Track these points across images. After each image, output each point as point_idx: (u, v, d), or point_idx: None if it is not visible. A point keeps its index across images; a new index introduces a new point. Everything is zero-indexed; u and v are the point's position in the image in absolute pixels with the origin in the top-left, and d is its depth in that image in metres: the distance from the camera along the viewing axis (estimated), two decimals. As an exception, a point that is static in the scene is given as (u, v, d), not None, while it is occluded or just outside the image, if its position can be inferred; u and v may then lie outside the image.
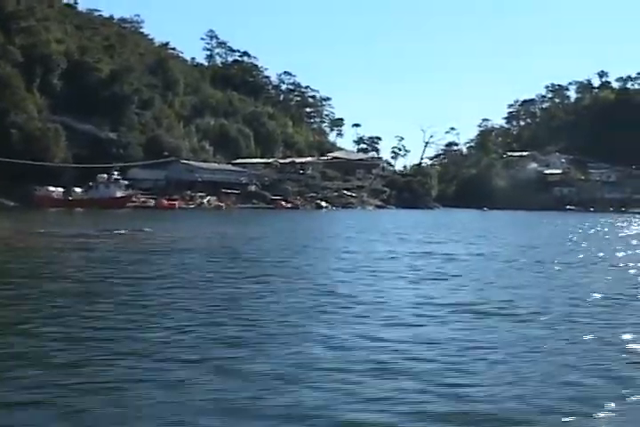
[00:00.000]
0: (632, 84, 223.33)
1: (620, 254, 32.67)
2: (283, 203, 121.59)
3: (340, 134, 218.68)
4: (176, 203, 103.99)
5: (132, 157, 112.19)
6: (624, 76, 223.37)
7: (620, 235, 53.41)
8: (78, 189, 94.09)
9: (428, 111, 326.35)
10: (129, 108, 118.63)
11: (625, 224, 75.23)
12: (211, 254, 28.10)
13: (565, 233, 53.89)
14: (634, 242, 41.88)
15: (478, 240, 40.96)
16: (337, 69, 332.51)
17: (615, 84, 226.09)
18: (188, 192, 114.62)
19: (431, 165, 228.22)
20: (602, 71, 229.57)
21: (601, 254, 32.23)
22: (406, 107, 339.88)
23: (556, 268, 25.12)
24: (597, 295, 17.69)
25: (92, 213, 72.95)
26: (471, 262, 27.06)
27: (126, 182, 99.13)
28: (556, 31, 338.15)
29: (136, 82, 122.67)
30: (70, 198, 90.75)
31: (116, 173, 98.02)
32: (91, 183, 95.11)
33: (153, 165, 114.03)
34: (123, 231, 39.36)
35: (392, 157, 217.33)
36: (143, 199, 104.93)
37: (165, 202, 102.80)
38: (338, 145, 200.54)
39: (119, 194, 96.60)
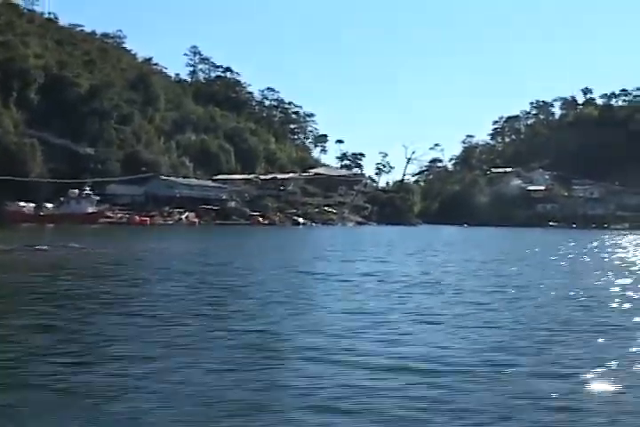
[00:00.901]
0: (616, 101, 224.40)
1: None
2: (260, 219, 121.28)
3: (323, 150, 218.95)
4: (148, 219, 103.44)
5: (110, 173, 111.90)
6: (608, 93, 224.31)
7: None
8: (50, 205, 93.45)
9: (412, 128, 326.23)
10: (108, 124, 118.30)
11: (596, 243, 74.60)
12: (94, 275, 25.75)
13: (518, 250, 53.30)
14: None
15: (400, 258, 39.54)
16: (321, 86, 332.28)
17: (599, 101, 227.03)
18: (167, 208, 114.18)
19: (415, 181, 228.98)
20: (586, 88, 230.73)
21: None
22: (391, 123, 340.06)
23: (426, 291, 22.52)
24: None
25: (58, 229, 72.37)
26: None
27: (98, 198, 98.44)
28: (542, 48, 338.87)
29: (116, 97, 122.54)
30: (41, 214, 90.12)
31: (87, 188, 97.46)
32: (62, 199, 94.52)
33: (132, 180, 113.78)
34: (45, 247, 38.11)
35: (376, 174, 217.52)
36: (120, 215, 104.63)
37: (138, 218, 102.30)
38: (322, 161, 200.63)
39: (90, 209, 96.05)
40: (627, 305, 19.18)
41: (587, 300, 20.40)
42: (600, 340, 13.98)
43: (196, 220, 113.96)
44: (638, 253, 51.64)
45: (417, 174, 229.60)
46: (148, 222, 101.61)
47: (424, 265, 33.97)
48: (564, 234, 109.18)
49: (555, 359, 12.01)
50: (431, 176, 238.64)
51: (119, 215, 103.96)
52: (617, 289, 23.55)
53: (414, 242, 64.35)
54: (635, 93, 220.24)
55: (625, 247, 61.54)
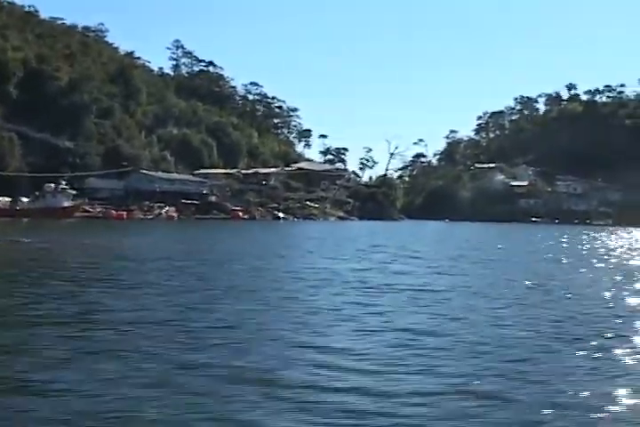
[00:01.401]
0: (600, 97, 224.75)
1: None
2: (240, 213, 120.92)
3: (307, 145, 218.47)
4: (124, 213, 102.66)
5: (90, 167, 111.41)
6: (592, 88, 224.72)
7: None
8: (25, 199, 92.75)
9: (396, 123, 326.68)
10: (88, 118, 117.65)
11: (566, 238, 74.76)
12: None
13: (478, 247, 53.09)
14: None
15: (342, 254, 38.65)
16: (305, 80, 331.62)
17: (584, 97, 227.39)
18: (147, 203, 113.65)
19: (399, 176, 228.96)
20: (570, 84, 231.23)
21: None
22: (375, 118, 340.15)
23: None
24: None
25: (32, 223, 71.89)
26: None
27: (74, 192, 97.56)
28: (527, 43, 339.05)
29: (96, 91, 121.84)
30: (17, 208, 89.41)
31: (63, 182, 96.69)
32: (37, 193, 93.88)
33: (112, 174, 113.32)
34: None
35: (360, 169, 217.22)
36: (99, 209, 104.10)
37: (114, 212, 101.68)
38: (305, 156, 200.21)
39: (66, 204, 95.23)
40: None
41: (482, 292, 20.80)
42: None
43: (176, 214, 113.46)
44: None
45: (401, 169, 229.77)
46: (125, 217, 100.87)
47: (358, 262, 33.58)
48: (541, 229, 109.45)
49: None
50: (415, 171, 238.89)
51: (98, 209, 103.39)
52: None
53: (379, 237, 64.07)
54: (618, 89, 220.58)
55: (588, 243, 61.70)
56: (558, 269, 31.84)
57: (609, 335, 14.22)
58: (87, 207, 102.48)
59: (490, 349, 12.74)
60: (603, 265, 34.91)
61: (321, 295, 19.74)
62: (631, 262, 37.56)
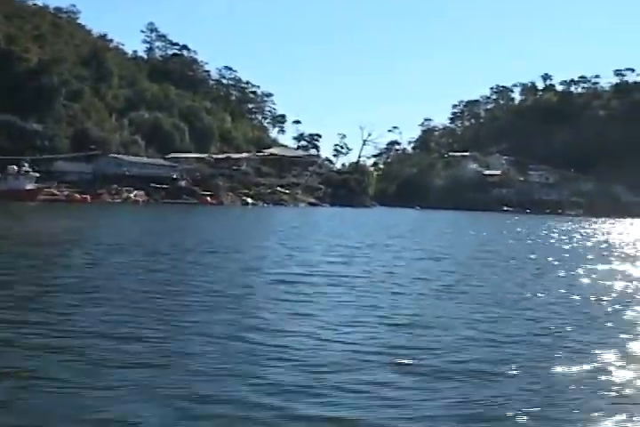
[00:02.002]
0: (575, 88, 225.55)
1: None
2: (208, 198, 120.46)
3: (282, 131, 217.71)
4: (88, 197, 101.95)
5: (58, 150, 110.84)
6: (567, 79, 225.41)
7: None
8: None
9: (372, 110, 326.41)
10: (57, 100, 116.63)
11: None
12: None
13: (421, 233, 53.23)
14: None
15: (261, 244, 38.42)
16: (282, 67, 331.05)
17: (559, 88, 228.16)
18: (115, 186, 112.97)
19: (374, 163, 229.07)
20: (546, 74, 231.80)
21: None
22: (350, 105, 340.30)
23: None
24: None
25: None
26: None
27: (37, 175, 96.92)
28: (503, 34, 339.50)
29: (66, 73, 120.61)
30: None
31: (26, 164, 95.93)
32: (0, 175, 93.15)
33: (80, 158, 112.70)
34: None
35: (334, 155, 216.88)
36: (67, 192, 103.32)
37: (78, 196, 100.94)
38: (280, 142, 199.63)
39: (29, 186, 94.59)
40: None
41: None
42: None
43: (143, 198, 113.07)
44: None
45: (375, 156, 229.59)
46: (89, 200, 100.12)
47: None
48: (506, 218, 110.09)
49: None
50: (390, 159, 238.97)
51: (65, 193, 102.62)
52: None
53: (326, 225, 63.82)
54: (593, 80, 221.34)
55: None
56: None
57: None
58: (54, 190, 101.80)
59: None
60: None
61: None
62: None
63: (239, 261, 25.75)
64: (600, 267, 28.62)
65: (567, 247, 42.27)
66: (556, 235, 58.45)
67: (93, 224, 48.14)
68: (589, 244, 47.36)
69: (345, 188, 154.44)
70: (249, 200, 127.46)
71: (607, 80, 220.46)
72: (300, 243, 37.29)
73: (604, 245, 45.28)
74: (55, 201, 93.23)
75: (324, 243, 38.00)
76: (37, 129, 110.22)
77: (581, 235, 61.17)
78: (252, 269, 23.46)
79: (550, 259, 32.75)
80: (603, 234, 63.17)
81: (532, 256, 34.40)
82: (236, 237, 40.67)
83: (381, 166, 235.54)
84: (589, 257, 34.83)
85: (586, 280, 23.47)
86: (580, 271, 26.42)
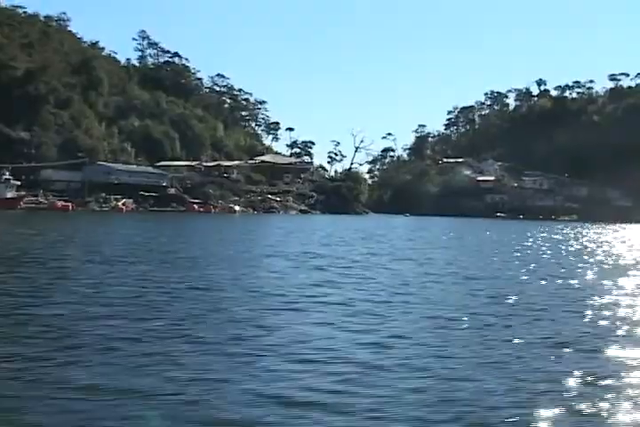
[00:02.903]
0: (570, 93, 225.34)
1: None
2: (195, 206, 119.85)
3: (275, 138, 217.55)
4: (70, 205, 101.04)
5: (46, 158, 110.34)
6: (562, 84, 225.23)
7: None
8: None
9: (366, 117, 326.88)
10: (44, 108, 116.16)
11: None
12: None
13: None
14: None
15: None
16: (277, 74, 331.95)
17: (553, 93, 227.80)
18: (103, 194, 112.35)
19: (369, 170, 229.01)
20: (540, 79, 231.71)
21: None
22: (345, 113, 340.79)
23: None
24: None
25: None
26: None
27: (18, 183, 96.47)
28: (498, 39, 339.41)
29: (54, 81, 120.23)
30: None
31: (7, 173, 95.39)
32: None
33: (70, 166, 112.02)
34: None
35: (328, 162, 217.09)
36: (47, 200, 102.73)
37: (59, 204, 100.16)
38: (274, 149, 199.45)
39: (9, 195, 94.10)
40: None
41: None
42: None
43: (132, 207, 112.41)
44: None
45: (370, 163, 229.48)
46: (71, 208, 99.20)
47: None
48: (493, 224, 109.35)
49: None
50: (385, 166, 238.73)
51: (49, 201, 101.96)
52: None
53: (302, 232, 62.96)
54: (587, 85, 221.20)
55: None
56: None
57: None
58: (40, 199, 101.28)
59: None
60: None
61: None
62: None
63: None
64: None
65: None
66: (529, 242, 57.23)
67: (40, 233, 45.54)
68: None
69: (337, 195, 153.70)
70: (236, 208, 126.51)
71: (602, 85, 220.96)
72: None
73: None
74: (37, 209, 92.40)
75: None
76: (24, 137, 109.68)
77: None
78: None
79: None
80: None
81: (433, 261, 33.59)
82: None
83: (376, 173, 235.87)
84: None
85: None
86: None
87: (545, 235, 72.04)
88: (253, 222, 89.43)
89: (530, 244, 52.26)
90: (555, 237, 69.29)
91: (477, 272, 27.26)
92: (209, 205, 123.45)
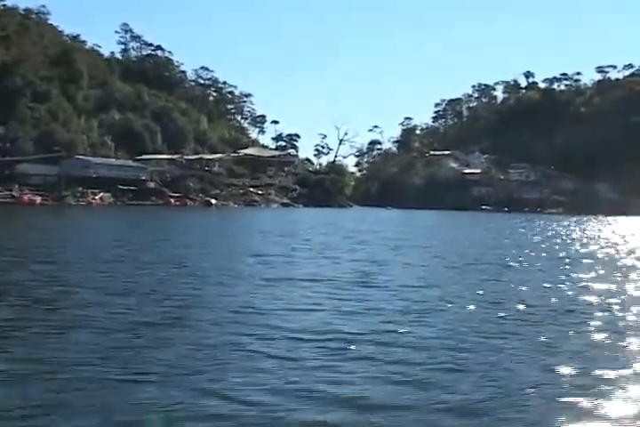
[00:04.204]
0: (558, 86, 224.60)
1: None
2: (172, 200, 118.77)
3: (262, 131, 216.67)
4: (37, 199, 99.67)
5: (22, 152, 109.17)
6: (550, 77, 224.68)
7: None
8: None
9: (352, 109, 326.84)
10: (20, 101, 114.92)
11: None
12: None
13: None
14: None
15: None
16: (259, 66, 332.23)
17: (542, 85, 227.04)
18: (80, 188, 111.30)
19: (357, 163, 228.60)
20: (528, 72, 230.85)
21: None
22: (331, 106, 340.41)
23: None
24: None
25: None
26: None
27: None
28: (485, 30, 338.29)
29: (31, 74, 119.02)
30: None
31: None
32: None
33: (46, 160, 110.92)
34: None
35: (314, 155, 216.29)
36: (29, 195, 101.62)
37: (25, 198, 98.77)
38: (260, 142, 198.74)
39: None
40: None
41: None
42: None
43: (103, 201, 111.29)
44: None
45: (357, 156, 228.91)
46: (38, 202, 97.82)
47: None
48: (475, 218, 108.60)
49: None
50: (373, 158, 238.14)
51: (27, 196, 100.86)
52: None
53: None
54: (575, 77, 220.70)
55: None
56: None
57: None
58: (14, 193, 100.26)
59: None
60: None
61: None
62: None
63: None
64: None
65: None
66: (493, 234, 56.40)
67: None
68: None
69: (320, 188, 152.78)
70: (213, 201, 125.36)
71: (589, 77, 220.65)
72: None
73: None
74: (3, 204, 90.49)
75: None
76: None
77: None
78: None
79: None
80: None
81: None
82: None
83: (365, 165, 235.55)
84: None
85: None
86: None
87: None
88: (218, 217, 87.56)
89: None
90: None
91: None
92: (184, 199, 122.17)
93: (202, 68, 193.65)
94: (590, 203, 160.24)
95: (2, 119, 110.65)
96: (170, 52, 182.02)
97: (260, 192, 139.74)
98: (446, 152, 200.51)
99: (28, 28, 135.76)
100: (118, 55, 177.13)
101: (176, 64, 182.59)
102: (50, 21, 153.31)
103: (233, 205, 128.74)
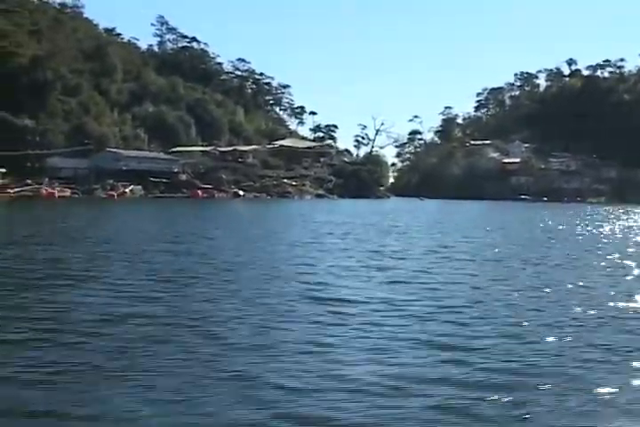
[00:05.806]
0: (601, 73, 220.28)
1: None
2: (198, 192, 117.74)
3: (301, 122, 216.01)
4: (55, 192, 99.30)
5: (53, 145, 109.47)
6: (593, 64, 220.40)
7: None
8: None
9: (393, 100, 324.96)
10: (51, 95, 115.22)
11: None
12: None
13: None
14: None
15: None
16: (302, 58, 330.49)
17: (585, 73, 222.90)
18: (110, 181, 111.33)
19: (398, 153, 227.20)
20: (570, 59, 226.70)
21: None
22: (372, 96, 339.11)
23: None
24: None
25: None
26: None
27: (4, 170, 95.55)
28: (526, 19, 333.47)
29: (63, 68, 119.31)
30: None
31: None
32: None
33: (77, 153, 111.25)
34: None
35: (355, 146, 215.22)
36: (59, 188, 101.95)
37: (45, 191, 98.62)
38: (299, 133, 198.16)
39: None
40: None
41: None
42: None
43: (132, 193, 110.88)
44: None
45: (398, 147, 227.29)
46: (57, 195, 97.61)
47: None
48: (500, 208, 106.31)
49: None
50: (415, 149, 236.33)
51: (57, 189, 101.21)
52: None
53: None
54: (618, 64, 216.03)
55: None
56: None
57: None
58: (46, 187, 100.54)
59: None
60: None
61: None
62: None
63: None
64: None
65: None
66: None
67: None
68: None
69: (356, 179, 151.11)
70: (240, 193, 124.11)
71: (634, 64, 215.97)
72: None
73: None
74: (25, 197, 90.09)
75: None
76: (29, 125, 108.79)
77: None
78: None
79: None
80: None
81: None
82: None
83: (408, 156, 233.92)
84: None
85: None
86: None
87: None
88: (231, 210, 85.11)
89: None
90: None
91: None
92: (212, 190, 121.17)
93: (238, 59, 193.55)
94: (633, 191, 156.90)
95: (32, 113, 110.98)
96: (205, 43, 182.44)
97: (293, 183, 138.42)
98: (487, 142, 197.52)
99: (61, 23, 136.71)
100: (155, 48, 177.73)
101: (212, 56, 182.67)
102: (85, 15, 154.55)
103: (266, 196, 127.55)
